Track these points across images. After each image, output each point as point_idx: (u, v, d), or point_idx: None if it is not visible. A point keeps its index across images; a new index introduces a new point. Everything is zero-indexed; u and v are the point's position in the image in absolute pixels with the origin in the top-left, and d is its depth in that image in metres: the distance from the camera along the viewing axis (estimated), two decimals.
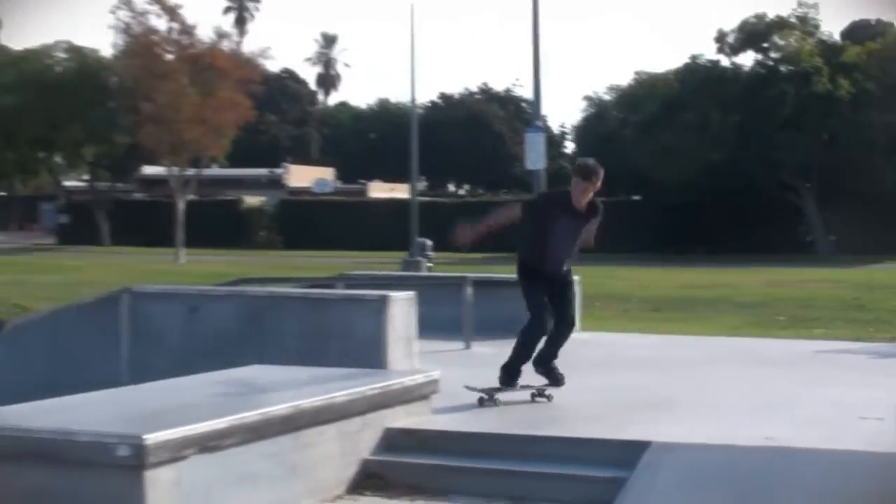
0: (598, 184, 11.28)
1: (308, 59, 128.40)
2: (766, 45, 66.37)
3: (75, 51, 70.95)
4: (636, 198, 71.18)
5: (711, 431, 9.88)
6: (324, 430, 9.11)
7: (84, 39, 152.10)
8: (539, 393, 11.51)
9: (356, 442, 9.47)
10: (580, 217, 11.40)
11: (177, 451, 7.61)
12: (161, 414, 8.24)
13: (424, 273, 29.55)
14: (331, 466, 9.17)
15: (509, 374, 11.39)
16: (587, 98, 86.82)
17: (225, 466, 8.03)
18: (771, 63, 65.99)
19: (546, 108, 36.24)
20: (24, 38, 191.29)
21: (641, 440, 9.22)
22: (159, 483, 7.45)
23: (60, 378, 11.33)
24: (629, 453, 9.01)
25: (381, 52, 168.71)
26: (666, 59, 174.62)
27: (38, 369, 12.90)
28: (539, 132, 27.02)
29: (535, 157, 26.11)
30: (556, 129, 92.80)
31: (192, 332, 12.83)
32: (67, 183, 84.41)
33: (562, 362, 14.11)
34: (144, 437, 7.40)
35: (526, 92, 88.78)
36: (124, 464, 7.37)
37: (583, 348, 16.63)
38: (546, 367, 11.58)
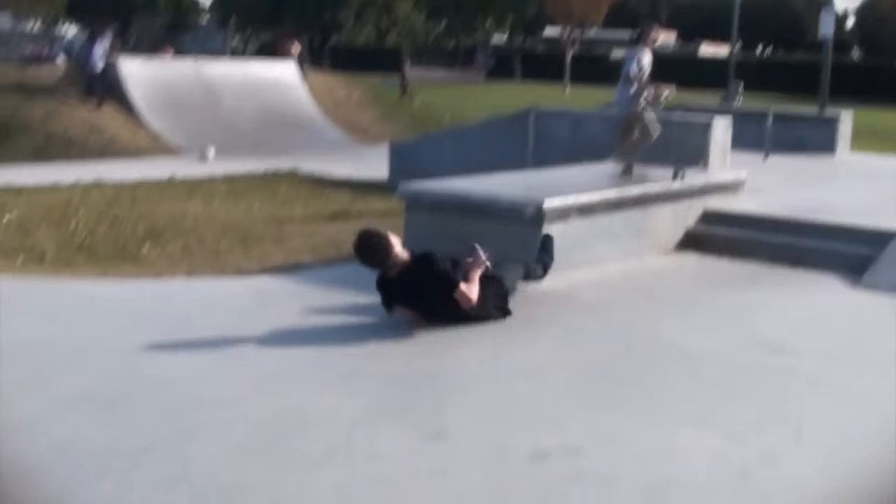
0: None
1: None
2: None
3: None
4: None
5: None
6: (663, 207, 9.06)
7: None
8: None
9: (684, 217, 9.38)
10: None
11: (563, 214, 7.76)
12: (554, 189, 8.38)
13: (737, 106, 28.42)
14: (666, 232, 9.13)
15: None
16: None
17: (594, 226, 8.13)
18: None
19: None
20: None
21: (890, 230, 8.73)
22: (552, 233, 7.62)
23: (490, 163, 11.57)
24: (879, 238, 8.60)
25: None
26: None
27: (475, 156, 13.24)
28: (831, 10, 25.28)
29: (826, 29, 24.57)
30: (840, 10, 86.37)
31: (574, 138, 12.81)
32: (494, 39, 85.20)
33: (832, 172, 13.32)
34: (544, 202, 7.57)
35: None
36: (530, 219, 7.58)
37: (848, 166, 15.77)
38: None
